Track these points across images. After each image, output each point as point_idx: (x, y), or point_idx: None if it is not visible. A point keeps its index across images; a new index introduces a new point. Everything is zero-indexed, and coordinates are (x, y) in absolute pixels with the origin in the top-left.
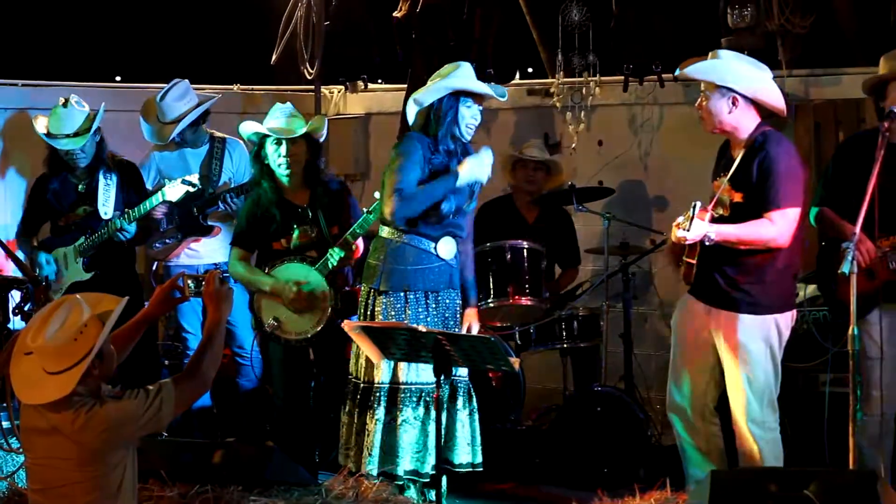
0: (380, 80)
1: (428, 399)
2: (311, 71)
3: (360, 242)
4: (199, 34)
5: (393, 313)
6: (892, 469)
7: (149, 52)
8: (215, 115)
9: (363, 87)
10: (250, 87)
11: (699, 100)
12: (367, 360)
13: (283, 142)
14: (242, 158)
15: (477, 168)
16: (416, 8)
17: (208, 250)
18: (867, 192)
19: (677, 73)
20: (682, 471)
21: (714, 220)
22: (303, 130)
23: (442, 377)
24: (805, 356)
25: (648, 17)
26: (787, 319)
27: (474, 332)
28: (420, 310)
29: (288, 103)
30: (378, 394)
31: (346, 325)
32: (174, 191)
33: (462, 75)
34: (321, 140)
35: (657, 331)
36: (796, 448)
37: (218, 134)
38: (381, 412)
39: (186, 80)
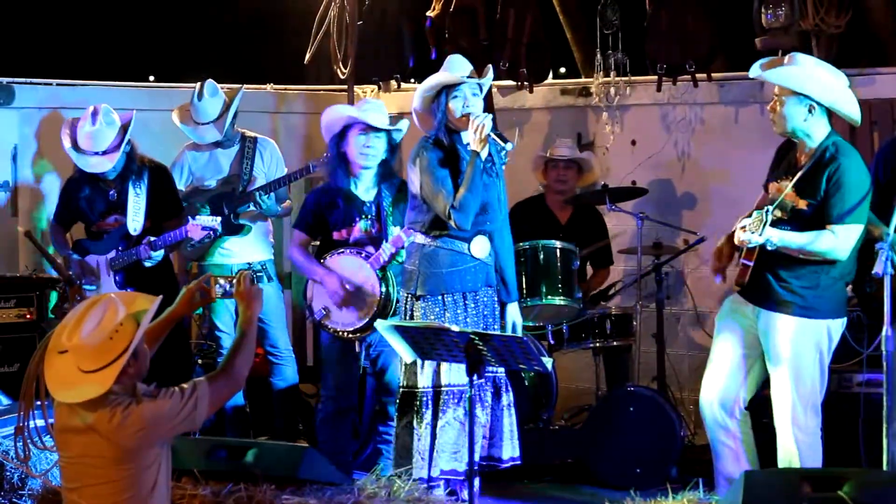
0: (413, 80)
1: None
2: (344, 70)
3: None
4: (232, 34)
5: (432, 317)
6: None
7: (182, 51)
8: (248, 114)
9: (396, 86)
10: (283, 86)
11: (773, 103)
12: (408, 365)
13: (369, 133)
14: (274, 157)
15: (475, 136)
16: (450, 8)
17: (241, 249)
18: None
19: (754, 74)
20: (713, 471)
21: (772, 224)
22: (389, 128)
23: (476, 376)
24: (838, 357)
25: (682, 17)
26: (838, 326)
27: (518, 328)
28: (459, 311)
29: (380, 100)
30: (424, 398)
31: (379, 324)
32: (196, 231)
33: (443, 69)
34: (398, 139)
35: (690, 331)
36: (830, 449)
37: (249, 133)
38: (428, 416)
39: (211, 80)
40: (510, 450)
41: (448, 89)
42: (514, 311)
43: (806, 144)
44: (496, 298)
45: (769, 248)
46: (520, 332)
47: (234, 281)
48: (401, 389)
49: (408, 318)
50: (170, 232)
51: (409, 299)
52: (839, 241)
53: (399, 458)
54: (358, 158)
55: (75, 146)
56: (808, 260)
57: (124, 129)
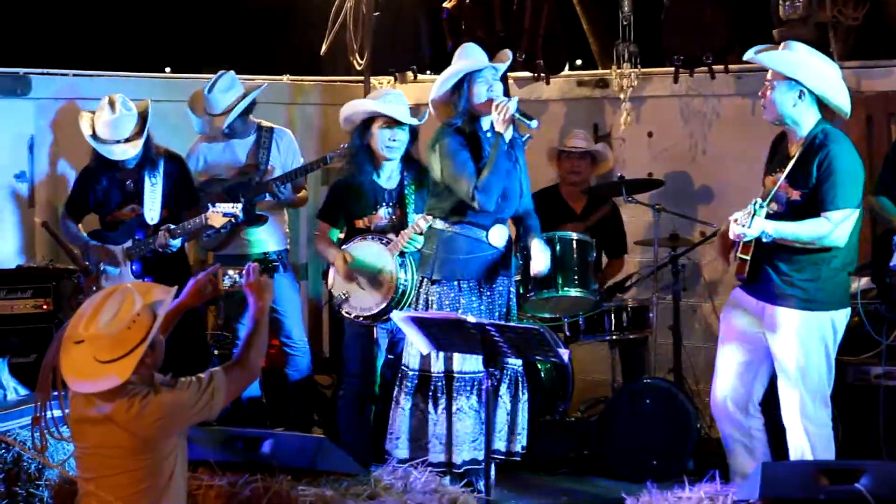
0: (429, 72)
1: (482, 388)
2: (360, 62)
3: None
4: (248, 25)
5: (447, 302)
6: None
7: (198, 43)
8: (264, 105)
9: (413, 78)
10: (300, 77)
11: (764, 88)
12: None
13: (395, 126)
14: (290, 148)
15: (499, 117)
16: None
17: (257, 239)
18: None
19: (748, 56)
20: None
21: (768, 217)
22: (414, 121)
23: (493, 366)
24: (855, 349)
25: (699, 9)
26: (842, 316)
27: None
28: (473, 298)
29: (399, 90)
30: (439, 384)
31: (396, 314)
32: (217, 218)
33: (462, 57)
34: (417, 128)
35: (706, 323)
36: (848, 442)
37: (265, 123)
38: (443, 402)
39: (232, 72)
40: (513, 443)
41: (471, 76)
42: (538, 244)
43: (796, 133)
44: (512, 289)
45: (765, 240)
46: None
47: (244, 273)
48: (410, 372)
49: (423, 301)
50: (189, 219)
51: (424, 283)
52: (835, 227)
53: (414, 441)
54: (384, 151)
55: (95, 137)
56: (808, 252)
57: (143, 116)
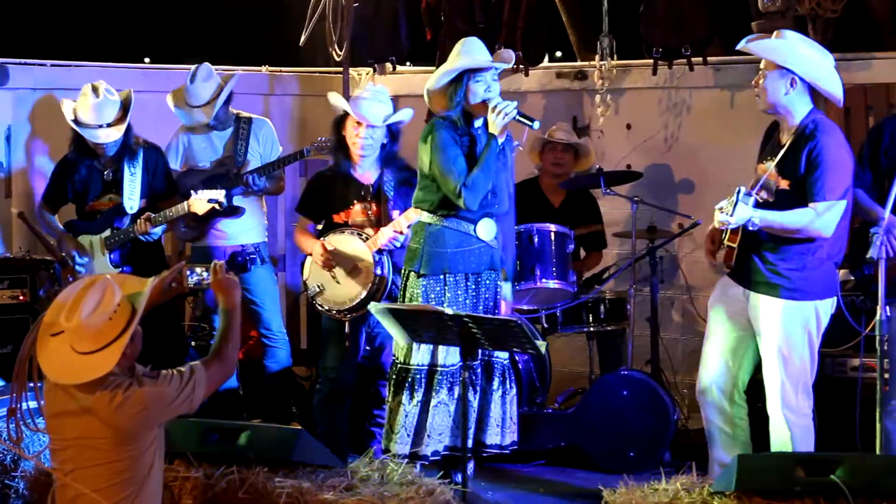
0: (408, 63)
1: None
2: (339, 53)
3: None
4: (228, 16)
5: (433, 296)
6: None
7: (178, 33)
8: (242, 95)
9: (392, 69)
10: (278, 68)
11: (757, 77)
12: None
13: (363, 126)
14: (268, 137)
15: (495, 119)
16: None
17: (235, 231)
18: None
19: (740, 45)
20: (707, 455)
21: (758, 205)
22: (382, 122)
23: (471, 359)
24: (832, 341)
25: (678, 1)
26: (827, 307)
27: (504, 306)
28: (459, 292)
29: (380, 85)
30: (418, 375)
31: (373, 307)
32: (200, 204)
33: (465, 52)
34: (400, 126)
35: (684, 315)
36: (823, 433)
37: (244, 114)
38: (419, 394)
39: (207, 63)
40: (496, 437)
41: (471, 73)
42: (506, 291)
43: (787, 122)
44: (500, 283)
45: (751, 228)
46: (504, 311)
47: (210, 270)
48: (397, 365)
49: (409, 295)
50: (171, 207)
51: (410, 277)
52: (822, 217)
53: (390, 433)
54: (354, 148)
55: (77, 122)
56: (794, 241)
57: (125, 103)
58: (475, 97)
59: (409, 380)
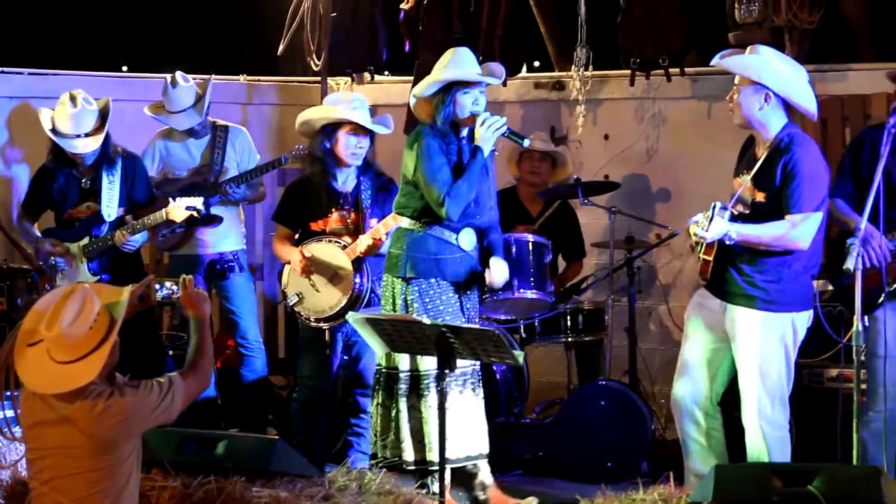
0: (386, 73)
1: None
2: (317, 62)
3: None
4: (205, 24)
5: (427, 299)
6: None
7: (155, 41)
8: (220, 104)
9: (370, 78)
10: (256, 77)
11: (731, 92)
12: None
13: (360, 133)
14: (245, 146)
15: (484, 132)
16: (424, 0)
17: (213, 239)
18: (872, 187)
19: (714, 61)
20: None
21: (734, 218)
22: (381, 129)
23: (448, 368)
24: (809, 352)
25: (655, 12)
26: (803, 319)
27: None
28: (451, 295)
29: (361, 95)
30: (401, 381)
31: (351, 316)
32: (178, 212)
33: (456, 64)
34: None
35: (662, 325)
36: (802, 444)
37: (221, 122)
38: (404, 400)
39: (180, 72)
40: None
41: (460, 85)
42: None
43: (762, 136)
44: (479, 293)
45: (728, 242)
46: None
47: (179, 284)
48: (381, 369)
49: (400, 302)
50: (149, 214)
51: (396, 284)
52: (798, 230)
53: (379, 437)
54: (349, 158)
55: (55, 132)
56: (770, 253)
57: (103, 112)
58: (463, 110)
59: (397, 386)
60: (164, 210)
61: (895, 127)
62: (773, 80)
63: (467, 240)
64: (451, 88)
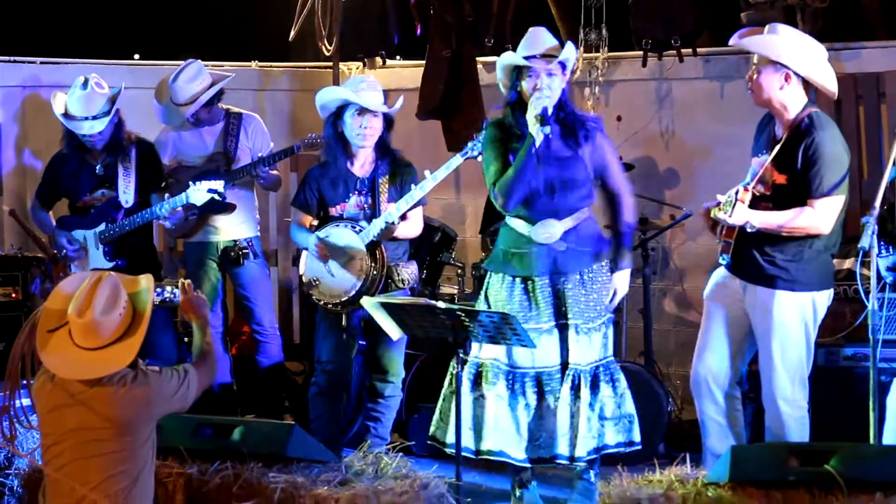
0: (398, 57)
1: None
2: (329, 47)
3: (411, 220)
4: (217, 11)
5: (493, 293)
6: None
7: (167, 29)
8: (233, 91)
9: (381, 63)
10: (268, 63)
11: (751, 72)
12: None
13: (366, 114)
14: (258, 132)
15: (530, 117)
16: None
17: (227, 226)
18: (887, 165)
19: (732, 41)
20: (701, 446)
21: (754, 198)
22: (384, 109)
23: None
24: (825, 331)
25: None
26: (823, 298)
27: (618, 295)
28: (517, 292)
29: (370, 75)
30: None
31: (366, 301)
32: (199, 195)
33: (520, 46)
34: (392, 115)
35: (676, 306)
36: (816, 423)
37: (234, 109)
38: (467, 387)
39: (199, 61)
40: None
41: (521, 68)
42: (617, 279)
43: (783, 116)
44: (553, 289)
45: (750, 230)
46: (617, 300)
47: (179, 288)
48: (504, 366)
49: (484, 291)
50: (173, 197)
51: (485, 273)
52: (819, 215)
53: (442, 423)
54: (356, 139)
55: (66, 115)
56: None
57: (112, 97)
58: (527, 92)
59: (521, 382)
60: (183, 193)
61: None
62: (794, 60)
63: (542, 232)
64: (513, 72)
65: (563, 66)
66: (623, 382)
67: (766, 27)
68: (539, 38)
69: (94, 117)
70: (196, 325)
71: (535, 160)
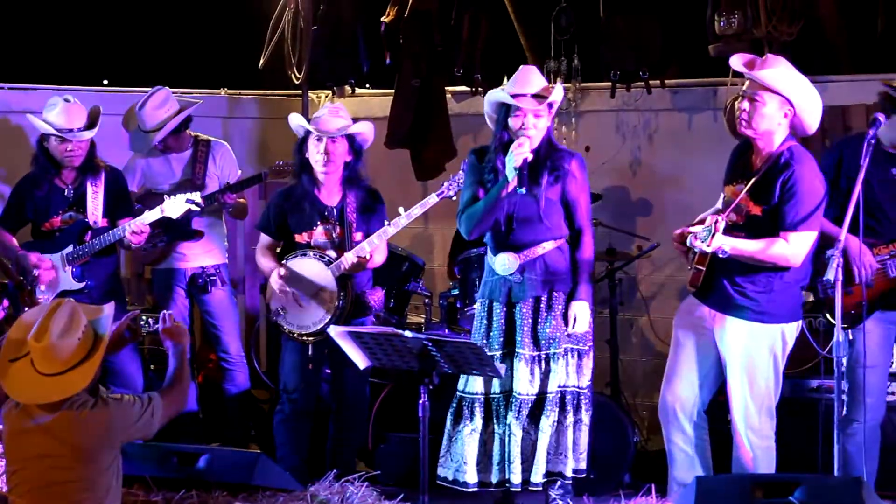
0: (367, 86)
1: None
2: (298, 75)
3: (378, 248)
4: (186, 38)
5: (477, 321)
6: (879, 475)
7: (136, 56)
8: (201, 118)
9: (350, 91)
10: (237, 91)
11: (743, 100)
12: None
13: (323, 139)
14: (226, 160)
15: (508, 162)
16: (404, 13)
17: (195, 253)
18: (851, 200)
19: (738, 67)
20: (667, 477)
21: (728, 227)
22: (339, 132)
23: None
24: (793, 363)
25: (635, 24)
26: (792, 330)
27: (580, 322)
28: (484, 318)
29: (339, 102)
30: (499, 404)
31: (333, 329)
32: (176, 206)
33: (510, 83)
34: (364, 145)
35: (643, 337)
36: (784, 454)
37: (202, 136)
38: (478, 422)
39: (166, 88)
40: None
41: (508, 105)
42: (575, 307)
43: (766, 148)
44: (505, 317)
45: (721, 256)
46: (580, 328)
47: (160, 319)
48: (492, 396)
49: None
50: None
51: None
52: (792, 248)
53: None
54: (316, 165)
55: (58, 129)
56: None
57: (92, 113)
58: (512, 130)
59: (494, 409)
60: (158, 208)
61: (874, 139)
62: (800, 98)
63: (501, 263)
64: (501, 108)
65: (550, 106)
66: (587, 415)
67: (770, 60)
68: (529, 79)
69: (79, 129)
70: (173, 353)
71: (504, 204)
